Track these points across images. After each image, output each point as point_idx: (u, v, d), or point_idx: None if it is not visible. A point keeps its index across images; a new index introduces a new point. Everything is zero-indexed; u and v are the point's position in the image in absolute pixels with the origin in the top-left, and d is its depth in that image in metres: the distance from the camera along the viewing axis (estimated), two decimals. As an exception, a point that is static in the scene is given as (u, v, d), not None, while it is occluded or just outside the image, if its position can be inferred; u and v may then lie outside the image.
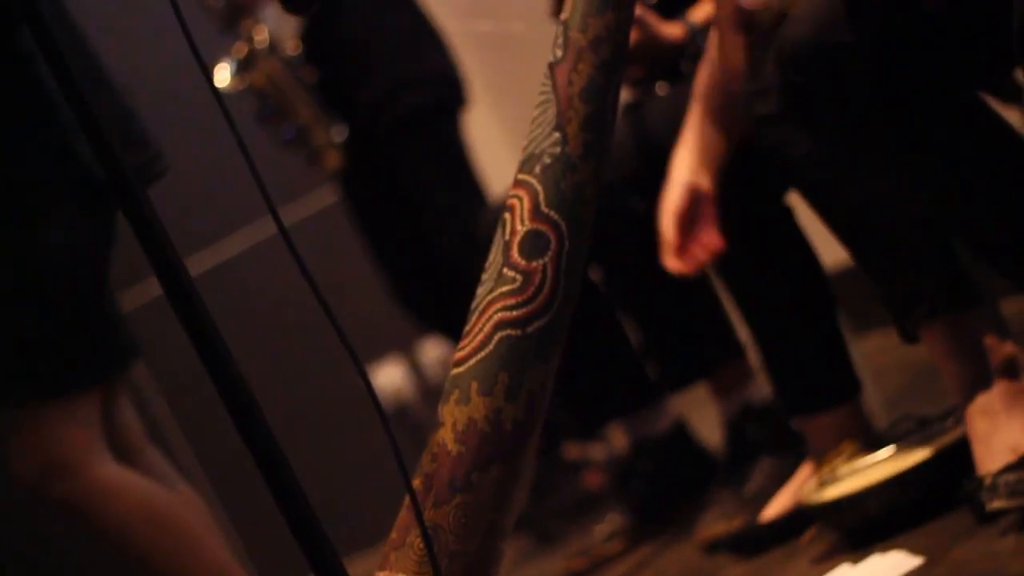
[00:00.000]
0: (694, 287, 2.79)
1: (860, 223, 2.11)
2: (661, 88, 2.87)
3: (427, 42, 3.88)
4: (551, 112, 1.68)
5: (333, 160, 3.87)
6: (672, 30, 2.75)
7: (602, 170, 1.69)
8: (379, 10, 3.84)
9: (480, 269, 1.68)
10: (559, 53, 1.69)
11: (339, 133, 3.85)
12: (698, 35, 2.73)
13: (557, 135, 1.67)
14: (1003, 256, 2.06)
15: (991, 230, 2.02)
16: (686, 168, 2.40)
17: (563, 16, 1.70)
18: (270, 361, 5.04)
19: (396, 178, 3.88)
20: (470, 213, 3.45)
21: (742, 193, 2.49)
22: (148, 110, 2.66)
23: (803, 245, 2.59)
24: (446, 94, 3.88)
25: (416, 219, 3.90)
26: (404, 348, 5.30)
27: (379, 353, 5.29)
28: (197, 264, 5.20)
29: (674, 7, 2.81)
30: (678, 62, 2.78)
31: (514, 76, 4.87)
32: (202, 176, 4.90)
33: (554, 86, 1.68)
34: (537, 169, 1.67)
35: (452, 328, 4.13)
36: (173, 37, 1.58)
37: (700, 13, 2.76)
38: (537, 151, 1.68)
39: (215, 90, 1.60)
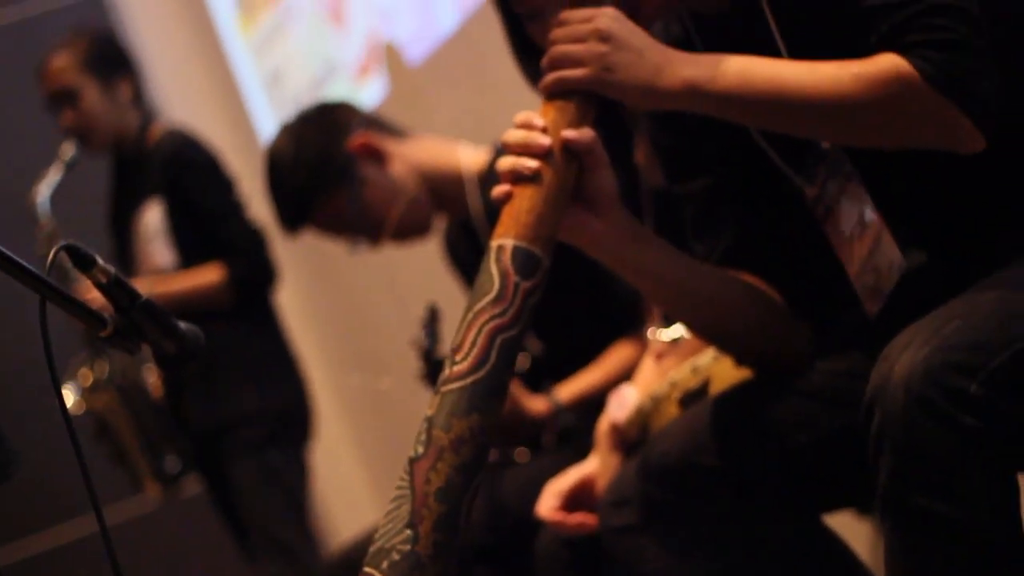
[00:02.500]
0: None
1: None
2: (520, 455, 2.86)
3: (275, 374, 3.88)
4: (405, 508, 1.65)
5: (152, 489, 3.88)
6: (537, 405, 2.74)
7: (451, 570, 1.65)
8: (234, 334, 3.82)
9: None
10: (420, 449, 1.66)
11: (172, 465, 3.83)
12: (562, 413, 2.73)
13: (409, 532, 1.64)
14: None
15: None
16: (597, 461, 2.32)
17: (428, 411, 1.68)
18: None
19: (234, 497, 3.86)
20: (294, 551, 3.40)
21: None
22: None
23: None
24: (280, 429, 3.86)
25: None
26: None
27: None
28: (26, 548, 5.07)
29: (542, 379, 2.81)
30: (540, 435, 2.77)
31: (380, 430, 4.87)
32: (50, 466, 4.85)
33: (412, 482, 1.66)
34: (384, 564, 1.63)
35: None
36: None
37: (566, 391, 2.76)
38: (387, 546, 1.64)
39: (64, 408, 1.67)
